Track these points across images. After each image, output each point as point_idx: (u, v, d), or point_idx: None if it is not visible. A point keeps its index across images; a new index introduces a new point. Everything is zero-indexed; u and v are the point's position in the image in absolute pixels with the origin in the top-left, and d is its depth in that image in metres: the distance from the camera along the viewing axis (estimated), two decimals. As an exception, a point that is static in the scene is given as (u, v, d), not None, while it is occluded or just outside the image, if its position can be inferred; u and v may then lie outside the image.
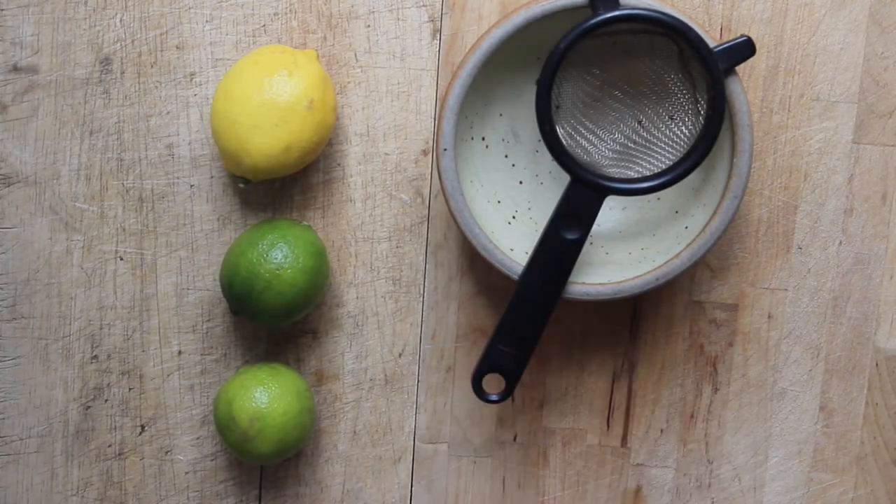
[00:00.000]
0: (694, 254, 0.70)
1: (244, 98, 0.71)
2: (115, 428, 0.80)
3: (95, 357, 0.79)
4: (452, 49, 0.76)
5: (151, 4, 0.76)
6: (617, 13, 0.67)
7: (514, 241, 0.74)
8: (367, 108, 0.77)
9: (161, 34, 0.76)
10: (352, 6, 0.76)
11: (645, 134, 0.71)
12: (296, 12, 0.76)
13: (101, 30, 0.76)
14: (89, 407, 0.80)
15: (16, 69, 0.77)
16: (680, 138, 0.70)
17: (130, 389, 0.80)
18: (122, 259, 0.78)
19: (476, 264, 0.78)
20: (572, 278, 0.71)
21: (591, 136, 0.71)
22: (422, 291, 0.79)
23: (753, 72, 0.76)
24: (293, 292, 0.72)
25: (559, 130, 0.69)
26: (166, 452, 0.80)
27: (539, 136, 0.69)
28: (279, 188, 0.78)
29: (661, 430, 0.80)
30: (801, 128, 0.76)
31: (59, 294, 0.79)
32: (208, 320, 0.79)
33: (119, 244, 0.78)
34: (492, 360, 0.71)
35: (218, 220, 0.78)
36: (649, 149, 0.71)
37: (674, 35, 0.67)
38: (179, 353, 0.79)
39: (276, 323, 0.74)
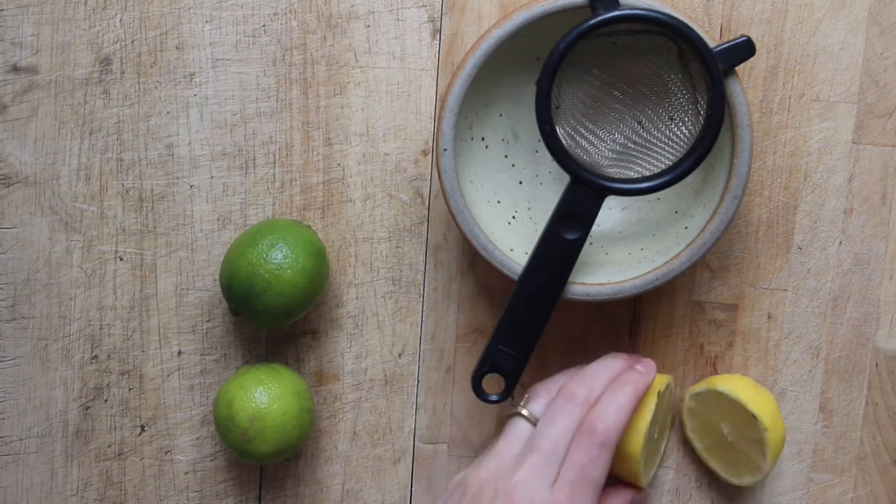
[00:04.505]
0: (694, 254, 0.70)
1: None
2: (115, 428, 0.80)
3: (95, 357, 0.79)
4: (452, 49, 0.76)
5: (151, 4, 0.76)
6: (617, 13, 0.67)
7: (514, 241, 0.74)
8: (366, 109, 0.77)
9: (161, 34, 0.76)
10: (352, 6, 0.76)
11: (645, 134, 0.71)
12: (296, 12, 0.76)
13: (101, 30, 0.76)
14: (89, 407, 0.80)
15: (16, 69, 0.77)
16: (680, 138, 0.70)
17: (130, 389, 0.80)
18: (121, 259, 0.79)
19: (476, 264, 0.78)
20: (572, 278, 0.71)
21: (590, 137, 0.71)
22: (422, 292, 0.79)
23: (753, 72, 0.76)
24: (293, 292, 0.72)
25: (559, 130, 0.69)
26: (166, 452, 0.80)
27: (539, 136, 0.69)
28: (279, 188, 0.78)
29: (661, 431, 0.80)
30: (801, 128, 0.76)
31: (59, 294, 0.79)
32: (208, 320, 0.79)
33: (119, 244, 0.78)
34: (492, 361, 0.71)
35: (218, 220, 0.78)
36: (649, 149, 0.71)
37: (674, 35, 0.67)
38: (179, 353, 0.79)
39: (275, 323, 0.74)
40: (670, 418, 0.78)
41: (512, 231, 0.75)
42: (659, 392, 0.72)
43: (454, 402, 0.80)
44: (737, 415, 0.75)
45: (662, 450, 0.78)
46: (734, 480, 0.77)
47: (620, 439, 0.68)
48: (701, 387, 0.76)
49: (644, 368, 0.72)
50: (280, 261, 0.72)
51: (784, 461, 0.79)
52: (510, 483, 0.65)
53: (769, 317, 0.78)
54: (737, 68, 0.69)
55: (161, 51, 0.77)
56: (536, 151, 0.76)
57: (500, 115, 0.75)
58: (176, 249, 0.78)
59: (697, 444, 0.78)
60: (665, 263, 0.71)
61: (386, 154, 0.77)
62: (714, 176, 0.72)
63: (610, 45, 0.70)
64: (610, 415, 0.67)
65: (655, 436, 0.74)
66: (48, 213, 0.78)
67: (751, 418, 0.74)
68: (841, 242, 0.77)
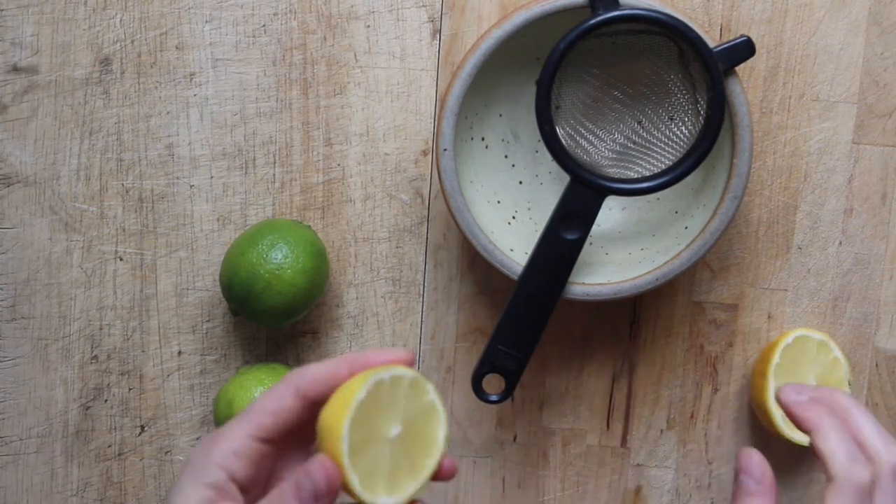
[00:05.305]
0: (694, 254, 0.70)
1: None
2: (115, 428, 0.80)
3: (95, 357, 0.79)
4: (452, 49, 0.76)
5: (151, 4, 0.76)
6: (617, 13, 0.67)
7: (514, 241, 0.74)
8: (367, 109, 0.77)
9: (161, 34, 0.76)
10: (352, 6, 0.76)
11: (645, 134, 0.71)
12: (296, 12, 0.76)
13: (101, 30, 0.76)
14: (89, 407, 0.80)
15: (16, 69, 0.77)
16: (680, 138, 0.70)
17: (130, 389, 0.80)
18: (121, 259, 0.79)
19: (476, 265, 0.78)
20: (572, 278, 0.71)
21: (590, 137, 0.71)
22: (421, 292, 0.79)
23: (753, 72, 0.76)
24: (293, 292, 0.72)
25: (559, 131, 0.69)
26: (166, 452, 0.80)
27: (539, 136, 0.69)
28: (279, 188, 0.78)
29: (661, 431, 0.80)
30: (801, 128, 0.76)
31: (59, 294, 0.79)
32: (208, 321, 0.79)
33: (119, 244, 0.78)
34: (492, 361, 0.71)
35: (218, 220, 0.78)
36: (649, 149, 0.71)
37: (674, 35, 0.67)
38: (179, 353, 0.79)
39: (275, 323, 0.74)
40: (439, 442, 0.58)
41: (512, 231, 0.75)
42: (379, 381, 0.56)
43: (454, 402, 0.80)
44: (821, 359, 0.76)
45: (425, 479, 0.58)
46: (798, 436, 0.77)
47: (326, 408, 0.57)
48: (787, 337, 0.76)
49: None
50: (280, 261, 0.72)
51: (784, 461, 0.79)
52: None
53: (769, 317, 0.78)
54: (737, 68, 0.69)
55: (161, 51, 0.77)
56: (536, 151, 0.76)
57: (500, 115, 0.75)
58: (176, 249, 0.78)
59: (779, 414, 0.76)
60: (665, 263, 0.71)
61: (386, 154, 0.77)
62: (714, 176, 0.72)
63: (610, 45, 0.70)
64: None
65: (392, 434, 0.57)
66: (48, 213, 0.78)
67: (835, 361, 0.76)
68: (841, 242, 0.77)
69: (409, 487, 0.57)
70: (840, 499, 0.58)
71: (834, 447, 0.60)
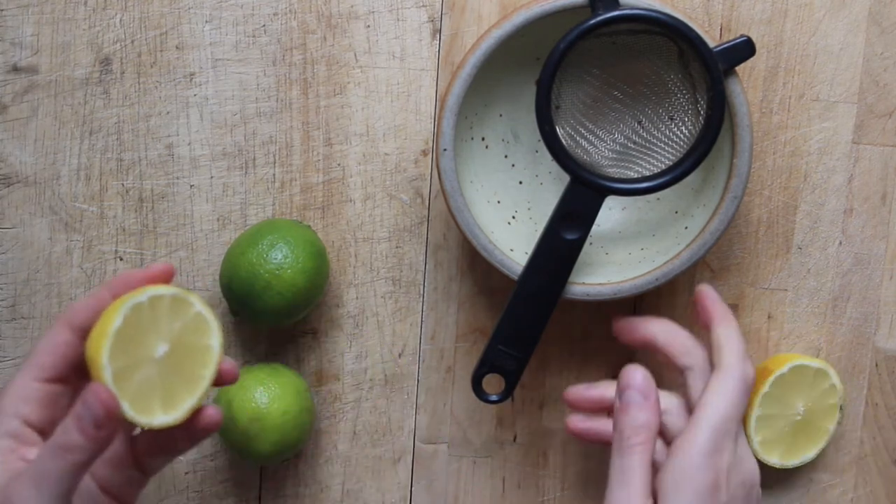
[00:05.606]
0: (694, 254, 0.70)
1: None
2: (114, 428, 0.80)
3: (95, 357, 0.79)
4: (452, 49, 0.76)
5: (151, 4, 0.76)
6: (617, 13, 0.67)
7: (514, 241, 0.74)
8: (366, 109, 0.77)
9: (161, 34, 0.76)
10: (352, 6, 0.76)
11: (645, 134, 0.71)
12: (296, 12, 0.76)
13: (100, 30, 0.76)
14: (89, 407, 0.80)
15: (16, 69, 0.77)
16: (680, 138, 0.70)
17: (130, 389, 0.80)
18: (121, 259, 0.78)
19: (476, 265, 0.78)
20: (572, 278, 0.71)
21: (590, 137, 0.71)
22: (421, 292, 0.79)
23: (753, 72, 0.76)
24: (293, 293, 0.72)
25: (559, 130, 0.69)
26: (166, 452, 0.80)
27: (539, 136, 0.69)
28: (279, 188, 0.78)
29: (661, 431, 0.80)
30: (801, 128, 0.76)
31: (59, 294, 0.79)
32: (208, 320, 0.79)
33: (119, 244, 0.78)
34: (491, 361, 0.71)
35: (218, 220, 0.78)
36: (649, 149, 0.71)
37: (674, 35, 0.67)
38: (179, 353, 0.79)
39: (275, 323, 0.74)
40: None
41: (512, 231, 0.75)
42: (136, 304, 0.57)
43: (454, 402, 0.80)
44: (816, 387, 0.75)
45: (204, 389, 0.59)
46: (791, 463, 0.76)
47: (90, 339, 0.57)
48: (783, 367, 0.75)
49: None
50: (280, 261, 0.72)
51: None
52: None
53: (769, 317, 0.78)
54: (737, 68, 0.69)
55: (161, 51, 0.77)
56: (536, 151, 0.76)
57: (500, 115, 0.75)
58: (176, 249, 0.78)
59: (756, 438, 0.75)
60: (665, 263, 0.71)
61: (386, 154, 0.77)
62: (714, 176, 0.72)
63: (610, 45, 0.70)
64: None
65: (158, 354, 0.57)
66: (48, 213, 0.78)
67: (831, 388, 0.76)
68: (841, 242, 0.77)
69: (188, 401, 0.58)
70: (727, 382, 0.62)
71: (736, 342, 0.64)
